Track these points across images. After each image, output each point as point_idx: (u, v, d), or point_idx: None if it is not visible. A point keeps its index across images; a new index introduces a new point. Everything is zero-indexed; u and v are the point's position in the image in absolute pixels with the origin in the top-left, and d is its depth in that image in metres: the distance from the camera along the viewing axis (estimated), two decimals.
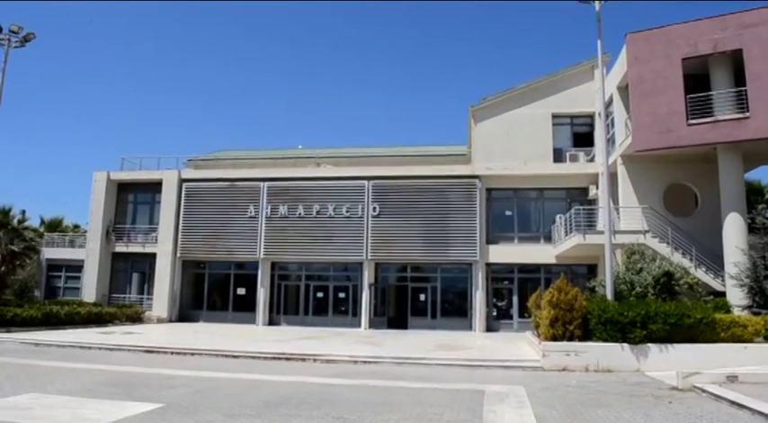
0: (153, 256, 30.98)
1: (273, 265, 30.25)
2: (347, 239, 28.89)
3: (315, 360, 16.73)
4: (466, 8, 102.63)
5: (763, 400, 10.03)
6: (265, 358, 16.99)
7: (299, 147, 38.77)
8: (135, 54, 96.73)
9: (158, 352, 17.99)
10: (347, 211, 29.04)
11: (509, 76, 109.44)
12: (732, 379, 12.53)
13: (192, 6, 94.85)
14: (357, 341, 21.67)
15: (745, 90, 19.46)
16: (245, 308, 30.14)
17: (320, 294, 30.00)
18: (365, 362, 16.48)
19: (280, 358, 16.98)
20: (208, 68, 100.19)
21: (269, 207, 29.86)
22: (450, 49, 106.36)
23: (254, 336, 23.45)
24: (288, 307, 30.16)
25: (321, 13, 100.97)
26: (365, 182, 29.25)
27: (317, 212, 29.33)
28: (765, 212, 19.56)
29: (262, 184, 30.21)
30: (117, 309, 28.43)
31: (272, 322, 29.66)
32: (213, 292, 31.37)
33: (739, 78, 19.90)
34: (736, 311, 17.82)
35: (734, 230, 19.60)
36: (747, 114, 19.31)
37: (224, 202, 30.56)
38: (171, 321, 29.99)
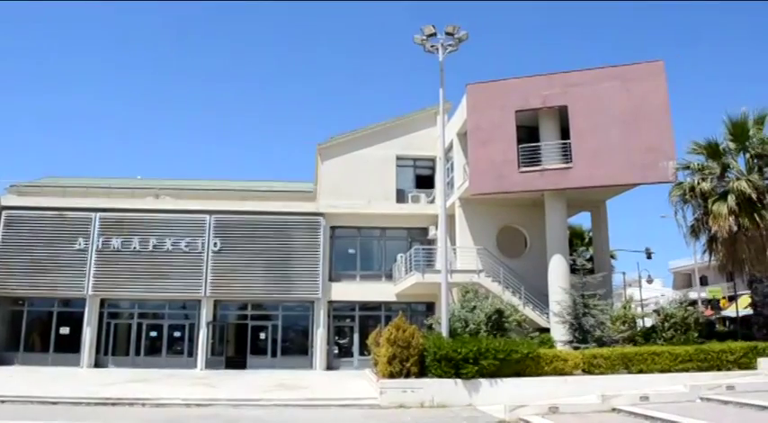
0: None
1: (103, 302, 28.08)
2: (185, 275, 27.62)
3: (143, 404, 15.76)
4: (318, 48, 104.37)
5: None
6: (88, 404, 15.76)
7: (138, 177, 36.94)
8: None
9: None
10: (186, 246, 27.84)
11: (358, 118, 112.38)
12: (554, 410, 13.33)
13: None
14: (191, 383, 20.64)
15: (569, 143, 21.21)
16: (68, 349, 27.56)
17: (154, 333, 28.24)
18: (199, 405, 15.76)
19: (105, 403, 15.80)
20: (34, 89, 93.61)
21: (100, 240, 27.84)
22: (300, 87, 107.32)
23: (77, 379, 21.66)
24: (117, 347, 28.03)
25: (159, 38, 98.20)
26: (207, 216, 28.27)
27: (154, 247, 27.82)
28: (585, 254, 21.23)
29: (94, 214, 28.16)
30: None
31: (98, 364, 27.37)
32: (32, 331, 28.44)
33: (565, 132, 21.67)
34: (559, 346, 19.04)
35: (557, 271, 21.08)
36: (571, 165, 21.01)
37: (50, 233, 28.03)
38: None
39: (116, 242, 27.85)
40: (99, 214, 28.23)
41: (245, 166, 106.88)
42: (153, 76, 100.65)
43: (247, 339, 28.13)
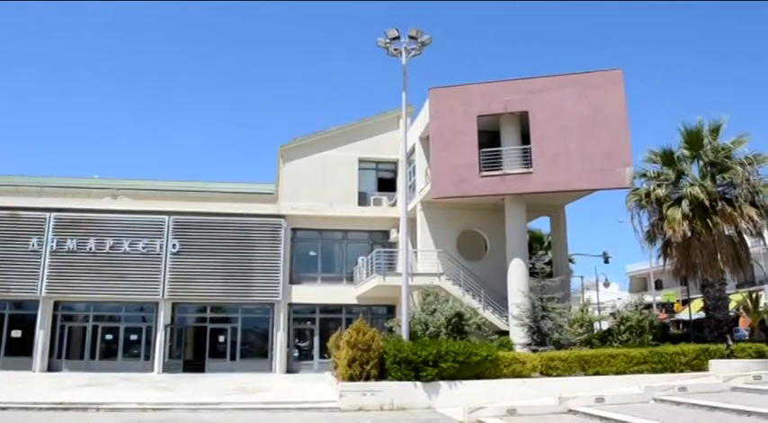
0: None
1: (57, 304, 27.40)
2: (143, 277, 27.13)
3: (98, 409, 15.41)
4: (280, 50, 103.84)
5: None
6: (40, 409, 15.30)
7: (95, 176, 36.12)
8: None
9: None
10: (144, 248, 27.34)
11: (320, 120, 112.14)
12: (512, 412, 13.48)
13: None
14: (148, 387, 20.26)
15: (530, 148, 21.47)
16: (20, 352, 26.74)
17: (110, 336, 27.62)
18: (155, 409, 15.48)
19: (57, 408, 15.38)
20: None
21: (55, 240, 27.14)
22: (263, 88, 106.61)
23: (29, 383, 21.09)
24: (72, 351, 27.36)
25: (118, 36, 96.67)
26: (165, 217, 27.82)
27: (111, 248, 27.23)
28: (544, 258, 21.51)
29: (48, 214, 27.43)
30: None
31: (51, 368, 26.67)
32: None
33: (526, 137, 21.93)
34: (518, 349, 19.26)
35: (517, 274, 21.32)
36: (531, 170, 21.28)
37: (2, 233, 27.19)
38: None
39: (71, 243, 27.23)
40: (54, 214, 27.57)
41: (205, 167, 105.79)
42: (112, 75, 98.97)
43: (206, 342, 27.79)
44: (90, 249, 27.25)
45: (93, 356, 27.32)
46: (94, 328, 27.60)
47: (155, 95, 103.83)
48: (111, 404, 15.76)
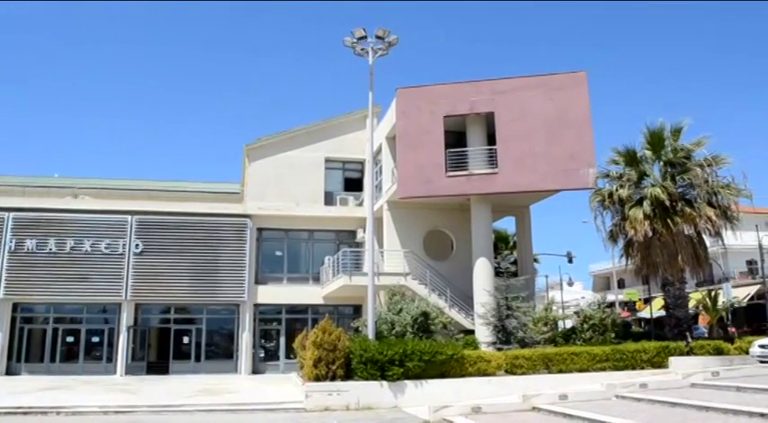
0: None
1: (16, 306, 26.73)
2: (105, 278, 26.60)
3: (58, 413, 15.16)
4: (248, 50, 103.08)
5: None
6: None
7: (55, 175, 35.45)
8: None
9: None
10: (106, 248, 26.82)
11: (287, 120, 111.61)
12: (476, 410, 13.57)
13: None
14: (110, 389, 19.95)
15: (496, 149, 21.63)
16: None
17: (71, 339, 27.03)
18: (117, 412, 15.30)
19: (16, 413, 15.09)
20: None
21: (13, 241, 26.47)
22: (230, 87, 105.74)
23: None
24: (31, 354, 26.73)
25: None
26: (128, 217, 27.34)
27: (72, 248, 26.66)
28: (509, 258, 21.71)
29: (6, 214, 26.75)
30: None
31: (9, 372, 26.02)
32: None
33: (492, 138, 22.07)
34: (483, 347, 19.43)
35: (482, 274, 21.47)
36: (496, 170, 21.44)
37: None
38: None
39: (30, 243, 26.60)
40: (12, 214, 26.90)
41: (170, 166, 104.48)
42: (75, 72, 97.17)
43: (170, 344, 27.41)
44: (50, 250, 26.68)
45: (53, 359, 26.75)
46: (55, 331, 27.03)
47: (118, 95, 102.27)
48: (72, 408, 15.50)
